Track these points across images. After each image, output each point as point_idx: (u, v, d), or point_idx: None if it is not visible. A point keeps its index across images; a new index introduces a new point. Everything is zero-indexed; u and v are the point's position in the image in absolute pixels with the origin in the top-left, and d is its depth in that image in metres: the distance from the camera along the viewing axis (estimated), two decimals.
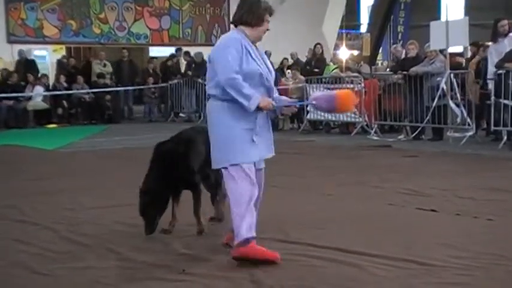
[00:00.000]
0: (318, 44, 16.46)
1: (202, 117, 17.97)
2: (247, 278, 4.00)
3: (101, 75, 18.75)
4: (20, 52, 19.10)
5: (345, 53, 24.45)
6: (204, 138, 4.91)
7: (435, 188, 7.03)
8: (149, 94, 19.10)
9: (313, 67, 15.83)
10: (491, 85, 11.04)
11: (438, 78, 11.89)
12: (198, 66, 18.26)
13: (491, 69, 11.08)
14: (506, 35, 11.18)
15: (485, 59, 11.95)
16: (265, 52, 15.18)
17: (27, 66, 18.70)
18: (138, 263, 4.40)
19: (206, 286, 3.91)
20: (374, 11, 23.35)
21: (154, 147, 5.13)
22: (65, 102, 18.02)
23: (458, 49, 18.26)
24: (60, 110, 17.91)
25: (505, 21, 11.32)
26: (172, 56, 20.60)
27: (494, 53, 11.19)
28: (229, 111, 4.35)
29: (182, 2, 23.56)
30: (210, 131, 4.49)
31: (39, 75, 18.48)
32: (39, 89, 17.67)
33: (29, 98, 17.58)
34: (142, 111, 19.70)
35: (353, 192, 6.94)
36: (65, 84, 18.19)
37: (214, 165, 4.47)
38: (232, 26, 4.55)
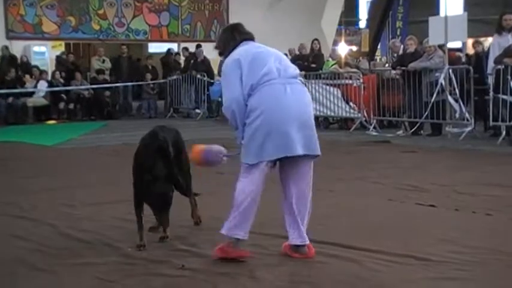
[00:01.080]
0: (316, 39, 16.44)
1: (201, 114, 17.97)
2: (247, 274, 4.02)
3: (100, 71, 18.72)
4: (2, 48, 18.93)
5: (343, 49, 24.44)
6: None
7: (434, 183, 7.03)
8: (148, 90, 19.08)
9: (311, 62, 15.83)
10: (492, 79, 11.00)
11: (437, 74, 11.90)
12: (198, 63, 18.28)
13: (492, 63, 11.07)
14: (510, 30, 11.16)
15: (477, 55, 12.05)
16: None
17: (11, 63, 18.55)
18: (138, 259, 4.40)
19: (205, 282, 3.92)
20: (373, 6, 23.28)
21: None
22: (64, 96, 17.96)
23: (457, 44, 18.26)
24: (62, 105, 17.87)
25: (511, 16, 11.29)
26: (169, 51, 20.58)
27: (497, 46, 11.18)
28: None
29: None
30: (310, 110, 4.44)
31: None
32: (43, 84, 17.65)
33: (31, 94, 17.53)
34: (142, 107, 19.67)
35: (352, 188, 6.95)
36: (62, 81, 18.13)
37: (319, 151, 4.47)
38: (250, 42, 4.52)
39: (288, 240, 4.41)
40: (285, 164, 4.36)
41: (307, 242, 4.37)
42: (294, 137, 4.22)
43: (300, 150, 4.26)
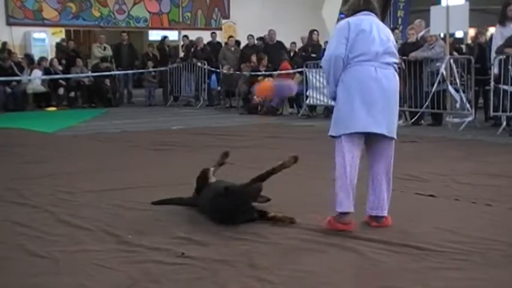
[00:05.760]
0: (315, 30, 16.61)
1: (201, 102, 17.94)
2: (245, 262, 4.01)
3: (104, 59, 18.63)
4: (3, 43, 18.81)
5: None
6: None
7: (434, 173, 7.03)
8: (149, 78, 19.03)
9: (310, 52, 15.98)
10: (496, 69, 10.94)
11: (438, 64, 11.87)
12: (198, 51, 18.23)
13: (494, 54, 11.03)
14: None
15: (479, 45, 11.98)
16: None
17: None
18: (137, 246, 4.40)
19: (204, 269, 3.91)
20: None
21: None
22: (63, 82, 17.84)
23: (459, 34, 18.20)
24: (61, 90, 17.80)
25: None
26: (164, 38, 20.48)
27: (499, 36, 11.14)
28: None
29: None
30: (395, 95, 4.72)
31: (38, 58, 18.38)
32: (37, 73, 17.56)
33: (29, 80, 17.47)
34: (142, 95, 19.64)
35: None
36: (60, 68, 18.04)
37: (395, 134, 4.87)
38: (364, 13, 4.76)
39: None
40: (372, 141, 4.77)
41: (384, 214, 4.77)
42: (378, 117, 4.58)
43: (384, 130, 4.67)
